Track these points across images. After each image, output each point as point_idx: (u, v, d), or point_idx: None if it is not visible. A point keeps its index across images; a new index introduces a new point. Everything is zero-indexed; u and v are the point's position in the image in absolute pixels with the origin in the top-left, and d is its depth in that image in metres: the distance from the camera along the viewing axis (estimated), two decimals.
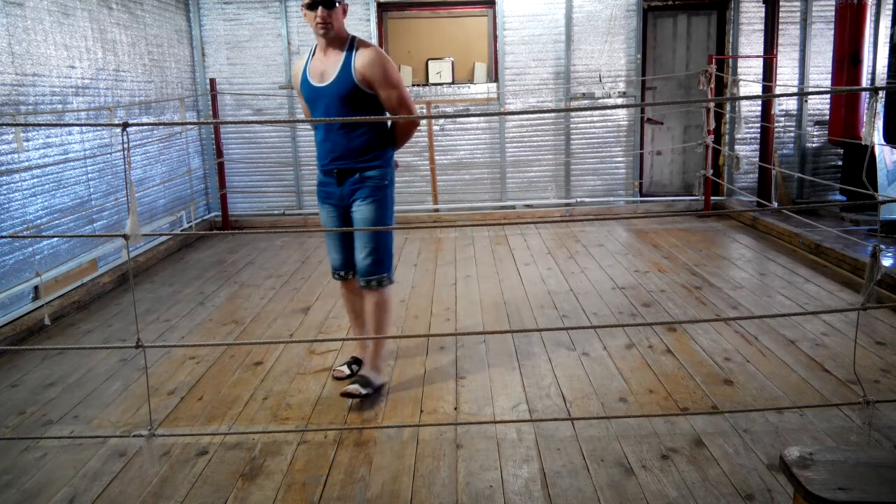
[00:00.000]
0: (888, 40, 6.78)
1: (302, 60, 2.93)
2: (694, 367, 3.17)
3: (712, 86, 6.28)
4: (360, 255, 2.93)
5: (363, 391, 2.90)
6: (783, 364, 3.17)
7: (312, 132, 3.01)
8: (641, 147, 7.05)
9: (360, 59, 2.79)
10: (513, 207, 7.04)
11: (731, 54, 6.87)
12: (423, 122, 6.96)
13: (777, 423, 2.63)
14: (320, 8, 2.72)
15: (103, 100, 5.11)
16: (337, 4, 2.75)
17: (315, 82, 2.84)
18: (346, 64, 2.80)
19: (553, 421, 2.70)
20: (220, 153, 6.79)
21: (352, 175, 2.89)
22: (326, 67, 2.82)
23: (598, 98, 6.90)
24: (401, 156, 7.01)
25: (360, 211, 2.92)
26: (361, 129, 2.85)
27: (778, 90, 6.61)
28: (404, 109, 2.88)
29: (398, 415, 2.83)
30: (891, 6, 6.75)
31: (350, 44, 2.83)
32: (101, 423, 2.82)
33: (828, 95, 6.66)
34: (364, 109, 2.84)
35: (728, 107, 6.92)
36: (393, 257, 3.00)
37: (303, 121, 2.20)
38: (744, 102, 6.69)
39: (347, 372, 3.16)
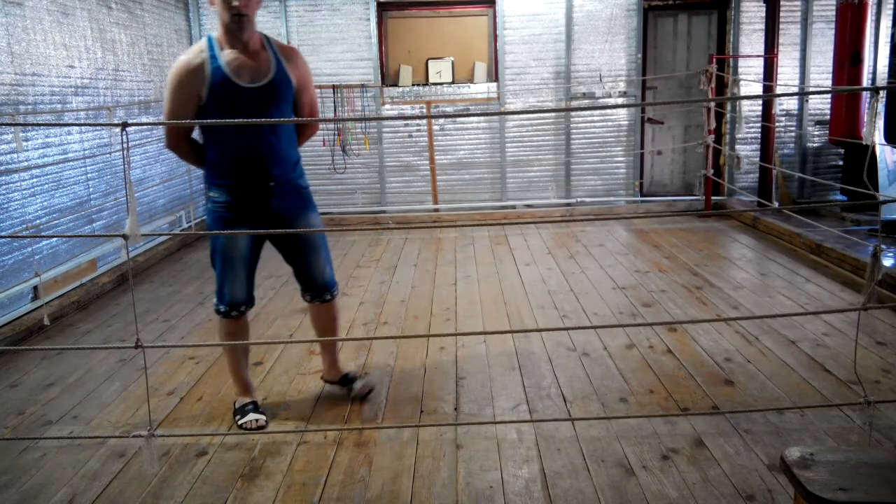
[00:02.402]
0: (889, 40, 6.78)
1: (199, 62, 2.45)
2: (694, 368, 3.16)
3: (713, 85, 6.27)
4: (323, 269, 2.79)
5: (370, 385, 2.97)
6: (784, 364, 3.17)
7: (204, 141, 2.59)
8: (642, 147, 7.04)
9: (290, 59, 2.58)
10: (513, 207, 7.03)
11: (731, 54, 6.86)
12: (423, 122, 6.96)
13: (778, 423, 2.62)
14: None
15: (103, 99, 5.10)
16: None
17: (243, 82, 2.47)
18: (279, 63, 2.55)
19: (553, 421, 2.70)
20: None
21: (284, 186, 2.62)
22: (258, 65, 2.50)
23: (599, 98, 6.89)
24: (400, 156, 7.01)
25: (311, 224, 2.75)
26: (292, 136, 2.64)
27: (778, 90, 6.61)
28: (315, 112, 2.75)
29: (398, 415, 2.82)
30: (891, 6, 6.75)
31: (266, 40, 2.57)
32: (101, 424, 2.82)
33: (828, 95, 6.65)
34: (289, 113, 2.62)
35: (729, 106, 6.91)
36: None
37: (304, 120, 2.18)
38: (744, 102, 6.68)
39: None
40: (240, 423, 2.74)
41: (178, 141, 2.58)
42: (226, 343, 2.80)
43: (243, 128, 2.46)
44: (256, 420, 2.73)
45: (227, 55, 2.47)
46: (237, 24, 2.43)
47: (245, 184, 2.56)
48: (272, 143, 2.54)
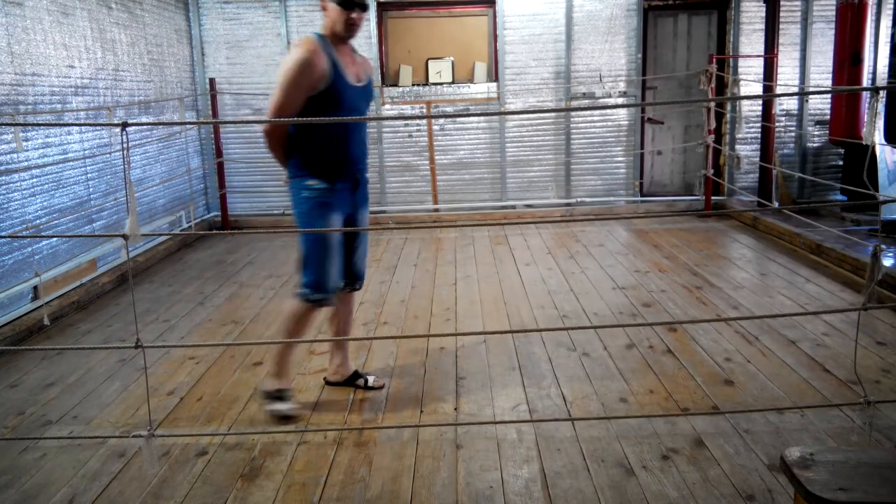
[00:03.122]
0: (889, 40, 6.78)
1: (321, 57, 2.58)
2: (694, 368, 3.16)
3: (713, 85, 6.27)
4: (365, 258, 3.00)
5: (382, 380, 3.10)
6: (784, 364, 3.17)
7: (329, 134, 2.68)
8: (642, 147, 7.04)
9: (366, 62, 2.86)
10: (513, 207, 7.03)
11: (731, 54, 6.86)
12: (423, 122, 6.96)
13: (778, 423, 2.62)
14: (357, 9, 2.61)
15: (102, 99, 5.10)
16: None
17: (351, 81, 2.66)
18: (366, 66, 2.83)
19: (553, 421, 2.69)
20: (219, 153, 6.78)
21: (363, 178, 2.88)
22: (357, 68, 2.74)
23: (599, 98, 6.89)
24: (400, 156, 7.01)
25: (366, 215, 2.96)
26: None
27: (778, 90, 6.60)
28: None
29: (398, 415, 2.82)
30: (891, 6, 6.75)
31: (351, 47, 2.79)
32: (101, 424, 2.82)
33: (828, 95, 6.65)
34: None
35: (729, 106, 6.91)
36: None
37: (303, 120, 2.18)
38: (744, 102, 6.68)
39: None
40: (269, 409, 2.81)
41: (282, 129, 2.66)
42: (292, 339, 2.80)
43: (349, 123, 2.68)
44: (287, 410, 2.80)
45: (339, 57, 2.65)
46: (350, 33, 2.64)
47: (344, 174, 2.74)
48: (364, 139, 2.81)
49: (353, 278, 2.97)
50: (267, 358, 3.32)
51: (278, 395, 2.80)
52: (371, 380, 3.05)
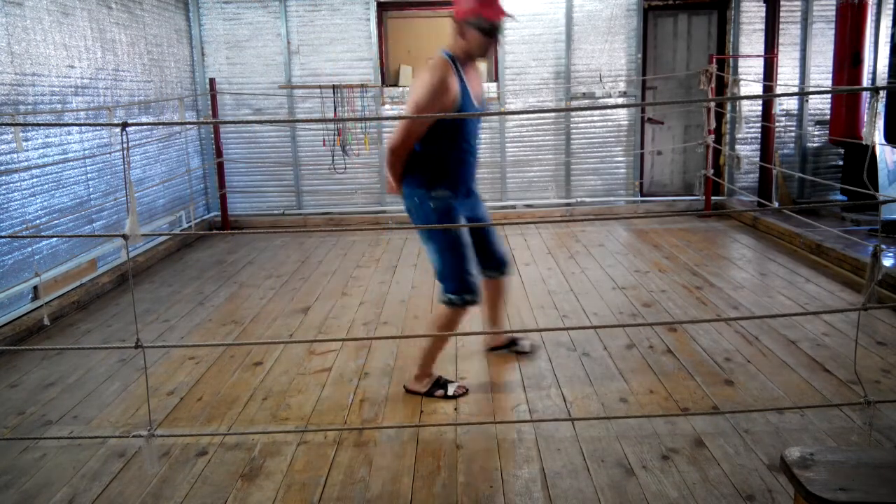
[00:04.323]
0: (889, 40, 6.78)
1: (455, 81, 2.68)
2: (694, 368, 3.16)
3: (713, 85, 6.27)
4: (500, 244, 3.14)
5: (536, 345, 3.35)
6: (784, 364, 3.17)
7: (437, 149, 2.80)
8: (642, 147, 7.04)
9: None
10: (513, 207, 7.03)
11: (731, 54, 6.86)
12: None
13: (778, 423, 2.62)
14: (496, 36, 2.73)
15: (102, 99, 5.10)
16: None
17: (476, 103, 2.81)
18: (481, 83, 2.98)
19: (553, 421, 2.70)
20: (219, 153, 6.78)
21: (473, 186, 3.05)
22: (478, 90, 2.88)
23: (599, 98, 6.89)
24: None
25: (484, 208, 3.13)
26: None
27: (778, 90, 6.60)
28: None
29: (398, 415, 2.82)
30: (891, 6, 6.74)
31: None
32: (101, 424, 2.82)
33: (829, 95, 6.65)
34: None
35: (729, 106, 6.91)
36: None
37: (303, 120, 2.19)
38: (744, 102, 6.68)
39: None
40: (450, 393, 2.93)
41: (412, 143, 2.75)
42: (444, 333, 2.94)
43: (472, 138, 2.86)
44: (459, 387, 2.97)
45: (467, 76, 2.76)
46: (486, 56, 2.84)
47: (462, 184, 2.89)
48: (477, 151, 2.96)
49: (498, 264, 3.12)
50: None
51: (439, 385, 2.96)
52: (524, 344, 3.34)
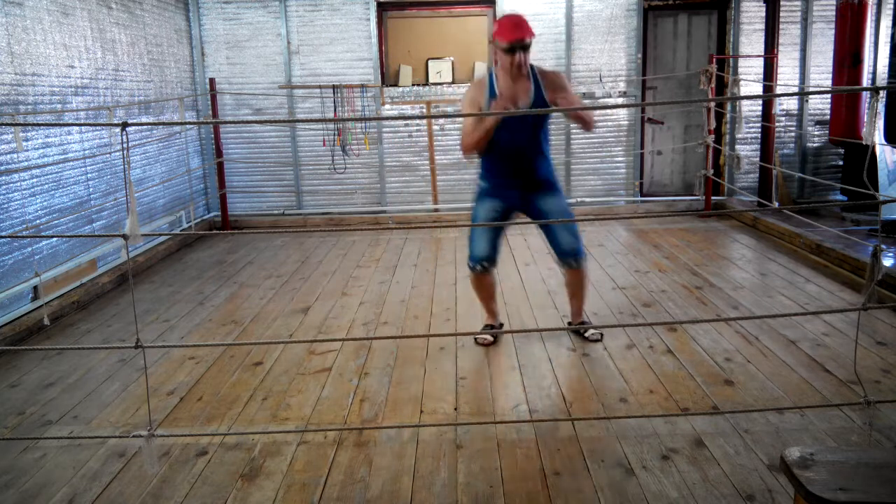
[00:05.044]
0: (889, 40, 6.78)
1: (480, 92, 3.33)
2: (694, 368, 3.16)
3: (713, 85, 6.27)
4: (568, 239, 3.40)
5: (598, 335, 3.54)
6: (784, 364, 3.17)
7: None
8: (642, 147, 7.04)
9: (547, 79, 3.42)
10: None
11: (731, 54, 6.86)
12: (423, 122, 6.96)
13: (778, 423, 2.62)
14: (520, 52, 3.18)
15: (102, 99, 5.10)
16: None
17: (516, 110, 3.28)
18: (538, 88, 3.38)
19: (553, 421, 2.70)
20: (219, 153, 6.79)
21: (535, 179, 3.42)
22: (522, 97, 3.31)
23: (599, 98, 6.89)
24: (400, 156, 7.02)
25: (551, 203, 3.44)
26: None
27: (778, 90, 6.60)
28: (575, 101, 3.66)
29: (398, 415, 2.82)
30: (891, 6, 6.74)
31: (531, 70, 3.37)
32: (101, 424, 2.82)
33: (828, 95, 6.65)
34: (547, 126, 3.48)
35: (729, 106, 6.91)
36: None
37: (303, 120, 2.19)
38: (744, 102, 6.68)
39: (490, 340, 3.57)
40: (476, 338, 3.53)
41: (471, 143, 3.26)
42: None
43: (505, 141, 3.25)
44: (485, 339, 3.51)
45: (504, 87, 3.21)
46: (518, 71, 3.22)
47: (507, 177, 3.38)
48: (524, 147, 3.31)
49: (563, 255, 3.38)
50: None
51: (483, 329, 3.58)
52: (589, 334, 3.54)
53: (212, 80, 6.68)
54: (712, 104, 6.44)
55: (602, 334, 3.55)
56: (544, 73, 3.35)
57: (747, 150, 6.99)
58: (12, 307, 3.98)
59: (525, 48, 3.15)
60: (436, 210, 7.04)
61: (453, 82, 6.90)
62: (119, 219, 5.20)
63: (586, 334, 3.54)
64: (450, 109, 6.89)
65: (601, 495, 2.21)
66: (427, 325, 3.90)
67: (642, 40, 6.85)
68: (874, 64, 6.65)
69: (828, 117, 6.85)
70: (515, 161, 3.30)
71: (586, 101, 6.90)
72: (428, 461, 2.44)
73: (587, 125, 3.34)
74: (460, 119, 6.87)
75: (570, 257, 3.37)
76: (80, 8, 4.83)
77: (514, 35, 3.13)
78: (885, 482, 1.52)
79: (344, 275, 4.99)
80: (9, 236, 3.92)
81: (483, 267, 3.38)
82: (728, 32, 6.90)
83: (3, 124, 3.90)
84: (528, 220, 3.56)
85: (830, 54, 6.53)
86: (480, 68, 6.90)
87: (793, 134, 7.04)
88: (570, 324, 3.69)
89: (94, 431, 2.75)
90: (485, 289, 3.52)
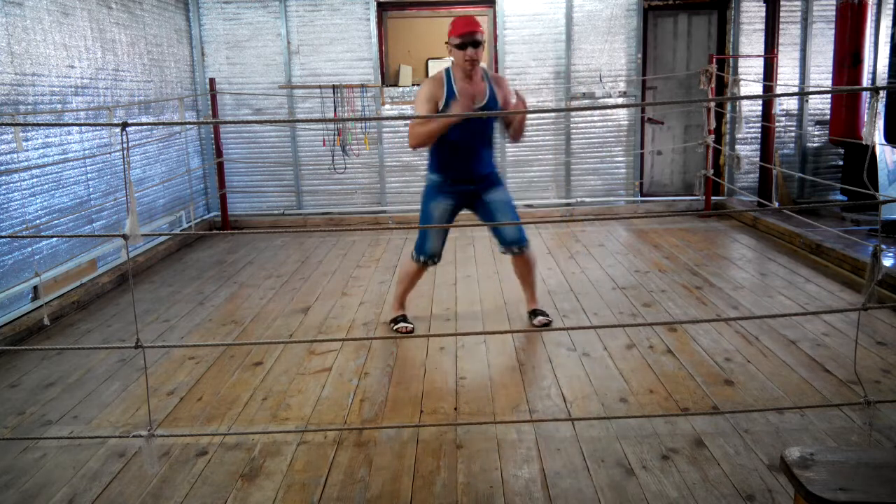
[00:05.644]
0: (889, 40, 6.78)
1: (437, 89, 3.47)
2: (694, 368, 3.16)
3: (713, 85, 6.27)
4: (511, 227, 3.62)
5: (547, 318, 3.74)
6: (784, 364, 3.17)
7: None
8: (642, 147, 7.04)
9: (498, 84, 3.59)
10: None
11: (731, 54, 6.86)
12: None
13: (778, 423, 2.62)
14: (470, 48, 3.35)
15: (102, 99, 5.10)
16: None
17: (471, 107, 3.40)
18: (491, 90, 3.55)
19: (553, 421, 2.70)
20: (219, 153, 6.78)
21: (483, 174, 3.63)
22: (476, 93, 3.46)
23: (599, 98, 6.89)
24: (400, 156, 7.02)
25: (498, 195, 3.68)
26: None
27: (778, 90, 6.60)
28: (521, 102, 3.54)
29: (398, 415, 2.82)
30: (891, 6, 6.74)
31: (484, 73, 3.57)
32: (101, 424, 2.82)
33: (829, 95, 6.65)
34: (495, 127, 3.69)
35: (729, 106, 6.91)
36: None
37: (303, 120, 2.19)
38: (744, 102, 6.68)
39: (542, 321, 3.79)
40: (394, 328, 3.76)
41: (420, 140, 3.38)
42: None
43: (457, 136, 3.41)
44: (406, 327, 3.75)
45: (461, 85, 3.41)
46: (470, 66, 3.37)
47: (457, 172, 3.55)
48: (475, 145, 3.50)
49: (507, 244, 3.58)
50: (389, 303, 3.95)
51: (394, 320, 3.80)
52: (535, 321, 3.73)
53: (212, 80, 6.68)
54: (712, 104, 6.44)
55: (551, 320, 3.76)
56: (495, 76, 3.57)
57: (747, 150, 6.99)
58: (12, 307, 3.98)
59: (476, 44, 3.34)
60: None
61: None
62: (119, 219, 5.20)
63: (534, 321, 3.74)
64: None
65: (601, 495, 2.21)
66: (427, 325, 3.90)
67: (642, 40, 6.85)
68: (874, 64, 6.65)
69: (828, 117, 6.85)
70: (466, 155, 3.48)
71: (585, 102, 6.91)
72: (428, 461, 2.44)
73: (518, 134, 3.52)
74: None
75: (513, 245, 3.57)
76: (80, 8, 4.83)
77: (465, 30, 3.35)
78: (885, 482, 1.52)
79: (344, 275, 4.99)
80: (9, 236, 3.92)
81: (432, 262, 3.61)
82: (728, 32, 6.90)
83: (3, 124, 3.90)
84: (476, 217, 3.71)
85: (830, 54, 6.53)
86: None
87: (793, 134, 7.04)
88: (530, 313, 3.84)
89: (94, 431, 2.75)
90: (415, 281, 3.77)
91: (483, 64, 3.52)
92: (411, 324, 3.78)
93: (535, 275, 3.79)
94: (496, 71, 6.88)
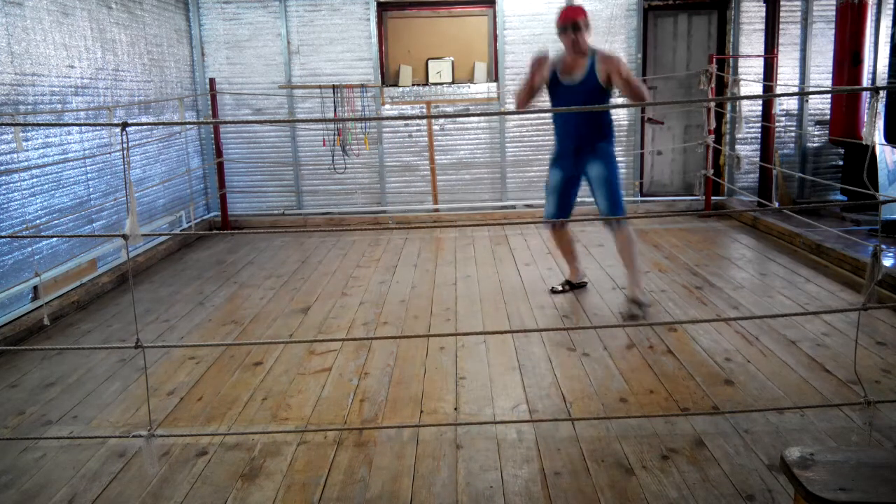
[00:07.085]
0: (889, 40, 6.78)
1: (544, 67, 3.92)
2: (694, 368, 3.16)
3: (713, 85, 6.27)
4: (606, 201, 3.92)
5: (639, 312, 3.84)
6: (784, 364, 3.17)
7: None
8: (642, 147, 7.04)
9: (602, 61, 3.87)
10: (513, 207, 7.03)
11: (731, 54, 6.86)
12: (423, 122, 6.96)
13: (778, 423, 2.62)
14: (570, 31, 3.80)
15: (102, 99, 5.10)
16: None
17: (568, 82, 3.94)
18: (592, 66, 3.92)
19: (553, 421, 2.70)
20: (219, 153, 6.78)
21: (586, 149, 4.00)
22: (577, 71, 3.90)
23: None
24: (400, 156, 7.02)
25: (599, 169, 3.97)
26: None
27: (778, 90, 6.60)
28: (632, 81, 3.88)
29: (398, 415, 2.82)
30: (891, 6, 6.74)
31: (591, 52, 3.88)
32: (101, 424, 2.82)
33: (829, 95, 6.65)
34: (599, 101, 4.02)
35: (729, 106, 6.91)
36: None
37: (303, 120, 2.18)
38: (744, 102, 6.67)
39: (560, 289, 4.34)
40: (553, 286, 4.38)
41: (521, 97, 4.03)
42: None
43: (560, 115, 4.01)
44: (556, 288, 4.36)
45: (564, 67, 3.88)
46: (573, 49, 3.80)
47: (565, 146, 4.03)
48: (577, 121, 3.93)
49: (604, 219, 4.05)
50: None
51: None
52: (623, 310, 3.95)
53: (212, 80, 6.68)
54: (712, 104, 6.44)
55: (638, 315, 3.84)
56: (602, 55, 3.83)
57: (747, 150, 6.99)
58: (12, 307, 3.98)
59: (576, 28, 3.75)
60: (436, 210, 7.04)
61: (453, 82, 6.89)
62: (119, 219, 5.20)
63: (621, 310, 3.96)
64: (450, 109, 6.89)
65: (601, 495, 2.21)
66: (427, 325, 3.90)
67: (642, 40, 6.84)
68: (874, 64, 6.65)
69: (828, 117, 6.85)
70: (563, 130, 3.97)
71: None
72: (428, 461, 2.44)
73: (633, 96, 3.81)
74: (461, 119, 6.88)
75: (607, 221, 3.99)
76: (80, 8, 4.83)
77: (564, 17, 3.81)
78: (885, 482, 1.52)
79: (344, 275, 4.99)
80: (9, 236, 3.92)
81: (556, 224, 4.14)
82: (728, 32, 6.90)
83: (3, 124, 3.90)
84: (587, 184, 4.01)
85: (830, 54, 6.53)
86: (480, 68, 6.91)
87: (793, 134, 7.04)
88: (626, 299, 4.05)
89: (94, 431, 2.75)
90: (562, 244, 4.28)
91: (595, 46, 3.89)
92: (561, 287, 4.32)
93: (629, 257, 3.88)
94: (496, 72, 6.88)
